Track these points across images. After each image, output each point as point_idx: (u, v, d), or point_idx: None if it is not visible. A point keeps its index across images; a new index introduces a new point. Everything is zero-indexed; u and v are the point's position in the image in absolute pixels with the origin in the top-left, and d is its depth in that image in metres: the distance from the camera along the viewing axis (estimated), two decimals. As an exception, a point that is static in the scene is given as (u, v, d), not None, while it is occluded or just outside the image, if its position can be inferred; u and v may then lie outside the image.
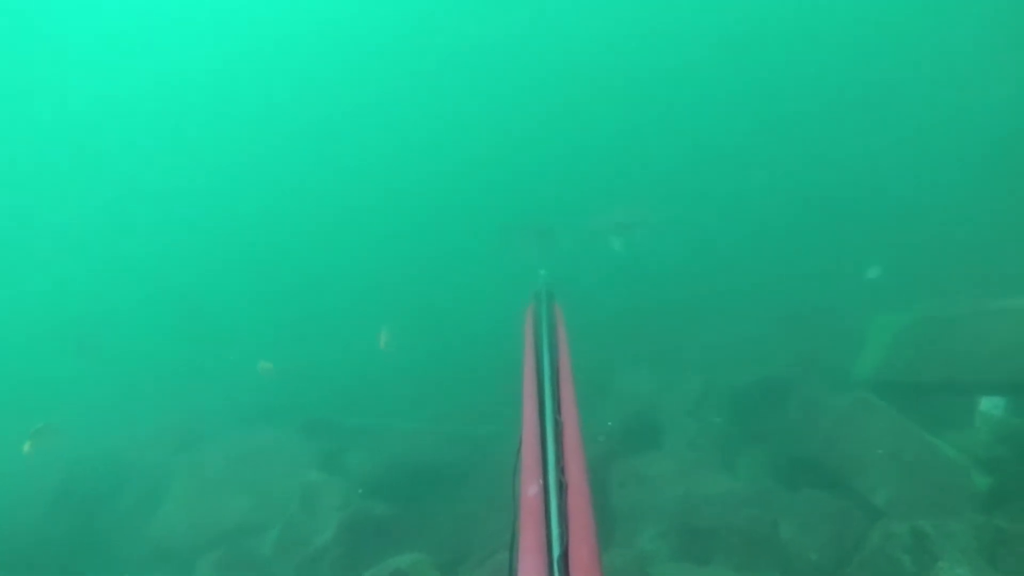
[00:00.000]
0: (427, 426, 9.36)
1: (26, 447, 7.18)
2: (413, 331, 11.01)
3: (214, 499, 8.70)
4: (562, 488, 1.59)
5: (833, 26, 24.06)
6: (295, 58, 29.45)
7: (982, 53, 19.30)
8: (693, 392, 8.62)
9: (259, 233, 24.63)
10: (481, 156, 25.90)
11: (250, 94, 29.73)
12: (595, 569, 1.34)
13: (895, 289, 9.95)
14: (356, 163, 27.77)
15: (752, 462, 7.15)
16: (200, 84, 29.70)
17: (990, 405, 6.19)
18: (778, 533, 5.98)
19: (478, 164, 25.52)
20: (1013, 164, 14.28)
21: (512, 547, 1.48)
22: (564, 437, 1.85)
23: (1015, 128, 15.90)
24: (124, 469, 9.83)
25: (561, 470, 1.68)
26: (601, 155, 23.62)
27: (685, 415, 8.00)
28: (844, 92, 21.75)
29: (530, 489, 1.61)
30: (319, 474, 8.17)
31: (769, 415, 7.44)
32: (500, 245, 13.01)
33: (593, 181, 20.96)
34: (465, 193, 23.83)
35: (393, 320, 9.27)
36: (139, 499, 9.18)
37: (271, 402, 10.90)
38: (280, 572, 7.21)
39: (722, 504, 6.31)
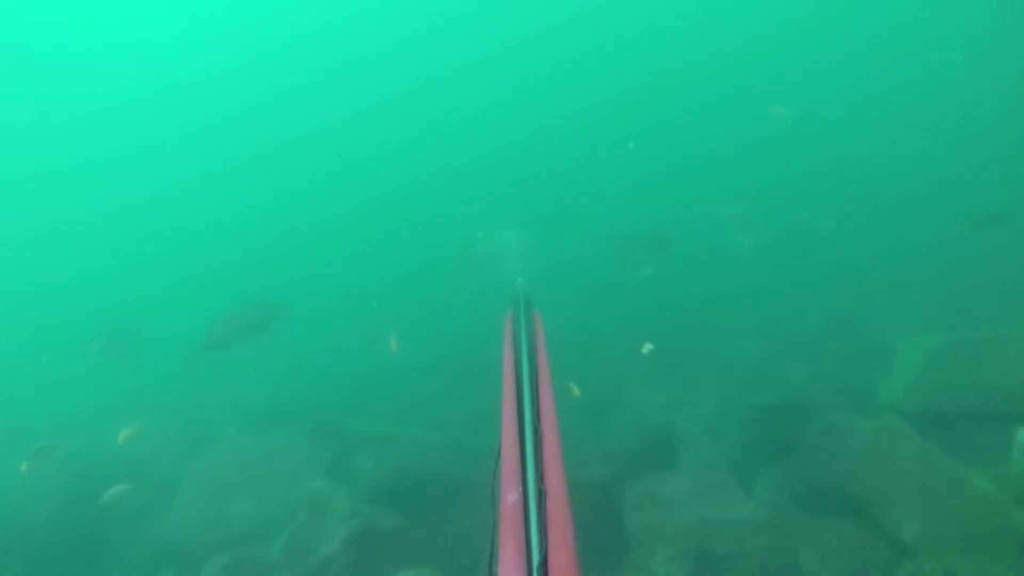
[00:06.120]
0: (434, 434, 9.21)
1: (24, 467, 7.12)
2: (421, 335, 10.85)
3: (222, 503, 8.69)
4: (541, 495, 1.60)
5: (840, 32, 23.46)
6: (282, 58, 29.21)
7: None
8: (710, 410, 8.38)
9: (266, 228, 24.58)
10: (479, 157, 25.67)
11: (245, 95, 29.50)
12: (574, 575, 1.35)
13: (927, 309, 9.60)
14: (355, 163, 27.61)
15: (772, 487, 6.91)
16: (176, 92, 29.48)
17: (1028, 436, 5.90)
18: (797, 562, 5.76)
19: (482, 163, 25.30)
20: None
21: (492, 554, 1.47)
22: (544, 444, 1.86)
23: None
24: (133, 471, 9.78)
25: (540, 477, 1.69)
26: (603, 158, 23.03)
27: (702, 434, 7.76)
28: (884, 91, 21.05)
29: (509, 496, 1.62)
30: (327, 481, 8.08)
31: (790, 437, 7.17)
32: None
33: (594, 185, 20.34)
34: (471, 192, 23.53)
35: (403, 323, 9.14)
36: (147, 502, 9.14)
37: (279, 404, 10.82)
38: (286, 580, 7.11)
39: (740, 529, 6.09)
